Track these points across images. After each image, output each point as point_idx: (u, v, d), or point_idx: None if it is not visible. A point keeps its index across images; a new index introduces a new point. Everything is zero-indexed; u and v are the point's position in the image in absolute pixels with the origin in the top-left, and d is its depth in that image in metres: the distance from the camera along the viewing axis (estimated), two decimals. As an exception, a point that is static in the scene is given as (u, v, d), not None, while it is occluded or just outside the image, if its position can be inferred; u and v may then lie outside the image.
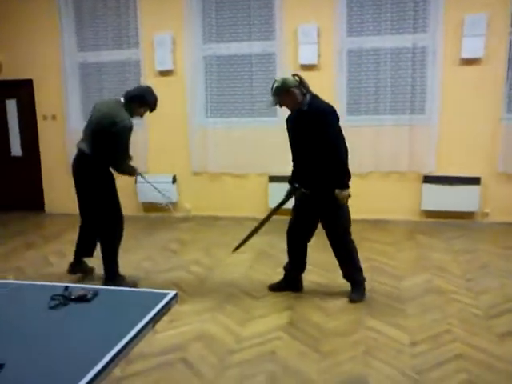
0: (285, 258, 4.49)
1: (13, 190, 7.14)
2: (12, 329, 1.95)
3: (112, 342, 1.77)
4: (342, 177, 3.53)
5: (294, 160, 3.74)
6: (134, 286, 3.99)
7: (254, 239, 5.37)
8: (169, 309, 2.13)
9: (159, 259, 4.88)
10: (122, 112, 3.83)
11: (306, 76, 5.86)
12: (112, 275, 4.01)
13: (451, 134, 5.81)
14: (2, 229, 6.26)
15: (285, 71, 6.05)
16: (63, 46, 6.62)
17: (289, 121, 3.68)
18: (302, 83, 3.51)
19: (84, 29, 6.64)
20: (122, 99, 3.92)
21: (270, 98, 3.56)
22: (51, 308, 2.09)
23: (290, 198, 3.82)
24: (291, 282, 3.97)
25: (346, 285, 4.04)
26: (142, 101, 3.91)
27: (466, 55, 5.66)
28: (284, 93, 3.46)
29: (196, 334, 3.34)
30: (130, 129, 3.82)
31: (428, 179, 5.86)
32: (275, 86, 3.48)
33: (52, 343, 1.83)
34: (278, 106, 3.65)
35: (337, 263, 4.30)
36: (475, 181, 5.70)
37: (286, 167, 6.19)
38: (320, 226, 3.79)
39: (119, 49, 6.57)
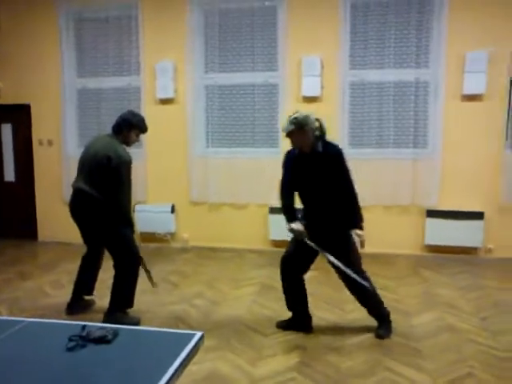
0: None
1: (4, 216, 6.94)
2: (27, 372, 1.79)
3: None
4: (359, 218, 3.52)
5: (301, 200, 3.66)
6: (137, 323, 3.80)
7: (255, 272, 5.29)
8: (197, 351, 1.99)
9: (160, 292, 4.68)
10: (118, 147, 3.72)
11: (309, 108, 6.02)
12: (114, 309, 3.83)
13: (454, 169, 5.81)
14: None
15: (287, 102, 6.07)
16: (63, 71, 6.55)
17: (293, 159, 3.57)
18: (320, 129, 3.47)
19: (84, 55, 6.60)
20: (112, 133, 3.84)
21: (285, 124, 3.48)
22: (69, 350, 1.94)
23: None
24: (301, 320, 3.81)
25: (357, 323, 3.94)
26: (129, 125, 3.80)
27: (467, 91, 5.71)
28: (298, 127, 3.40)
29: (206, 373, 3.17)
30: (128, 163, 3.72)
31: (431, 213, 5.81)
32: (295, 116, 3.44)
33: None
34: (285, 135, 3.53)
35: (348, 300, 4.21)
36: (479, 216, 5.68)
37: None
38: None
39: (120, 75, 6.51)
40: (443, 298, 4.52)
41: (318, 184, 3.47)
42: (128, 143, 3.85)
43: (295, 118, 3.41)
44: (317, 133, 3.45)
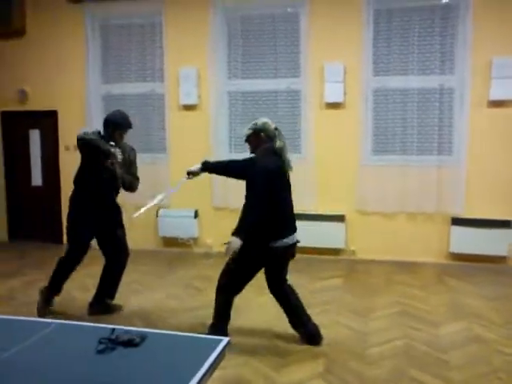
0: (310, 298, 4.39)
1: (31, 219, 7.08)
2: (60, 373, 1.83)
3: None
4: (243, 228, 3.31)
5: None
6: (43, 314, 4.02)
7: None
8: (223, 357, 1.99)
9: (184, 297, 4.72)
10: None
11: (332, 114, 6.01)
12: (45, 296, 4.17)
13: (480, 176, 5.72)
14: (21, 260, 6.16)
15: (310, 109, 6.06)
16: (88, 77, 6.67)
17: (249, 160, 3.64)
18: (277, 138, 3.47)
19: (109, 61, 6.71)
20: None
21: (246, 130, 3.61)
22: (99, 352, 1.96)
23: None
24: (305, 332, 3.70)
25: (382, 331, 3.90)
26: (113, 124, 3.99)
27: (494, 97, 5.62)
28: (254, 132, 3.53)
29: (230, 380, 3.17)
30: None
31: (456, 221, 5.72)
32: (254, 122, 3.58)
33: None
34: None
35: (372, 308, 4.17)
36: (506, 224, 5.57)
37: (310, 204, 6.18)
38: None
39: (143, 81, 6.60)
40: (470, 307, 4.44)
41: (246, 187, 3.49)
42: (115, 140, 4.00)
43: (254, 124, 3.55)
44: (278, 143, 3.44)
